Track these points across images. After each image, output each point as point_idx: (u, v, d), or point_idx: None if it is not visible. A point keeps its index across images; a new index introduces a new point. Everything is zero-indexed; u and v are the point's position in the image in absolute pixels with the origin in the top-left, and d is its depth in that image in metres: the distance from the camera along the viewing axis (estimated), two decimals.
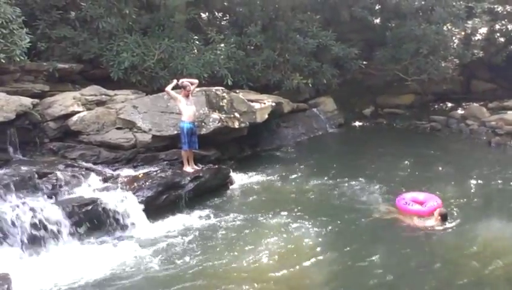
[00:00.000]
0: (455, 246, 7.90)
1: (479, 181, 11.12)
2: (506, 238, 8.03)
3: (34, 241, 7.73)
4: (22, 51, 11.49)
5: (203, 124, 11.74)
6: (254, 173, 12.07)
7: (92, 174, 9.80)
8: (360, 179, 11.42)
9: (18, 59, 11.43)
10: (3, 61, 11.16)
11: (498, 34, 21.22)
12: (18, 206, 7.81)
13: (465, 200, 9.81)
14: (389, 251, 7.73)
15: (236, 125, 12.46)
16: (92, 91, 12.51)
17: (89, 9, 14.09)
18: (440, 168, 12.23)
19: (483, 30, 21.23)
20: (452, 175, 11.70)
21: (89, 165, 10.62)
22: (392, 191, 10.46)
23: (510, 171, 11.74)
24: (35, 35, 13.05)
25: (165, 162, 11.32)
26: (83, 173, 9.76)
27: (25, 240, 7.62)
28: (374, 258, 7.48)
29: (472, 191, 10.52)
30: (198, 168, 10.85)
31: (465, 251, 7.71)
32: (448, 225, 8.55)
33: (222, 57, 14.91)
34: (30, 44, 11.89)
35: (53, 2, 13.89)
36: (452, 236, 8.22)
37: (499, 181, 11.08)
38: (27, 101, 10.93)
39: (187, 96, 10.77)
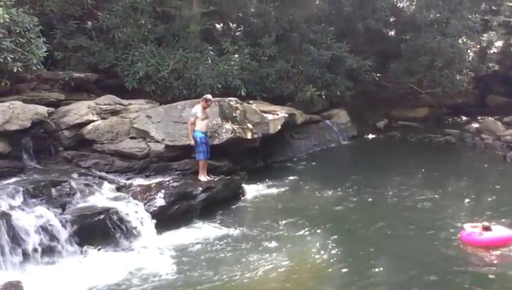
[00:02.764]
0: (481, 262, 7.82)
1: (497, 197, 10.93)
2: None
3: (44, 250, 7.74)
4: (39, 60, 11.67)
5: (215, 134, 11.76)
6: (266, 185, 12.04)
7: (105, 183, 9.85)
8: (373, 192, 11.36)
9: (35, 68, 11.62)
10: (20, 70, 11.33)
11: None
12: (30, 215, 7.86)
13: (485, 218, 9.55)
14: (403, 270, 7.61)
15: (249, 136, 12.46)
16: (107, 100, 12.61)
17: (105, 19, 14.31)
18: (455, 184, 12.11)
19: (499, 43, 21.13)
20: (468, 191, 11.54)
21: (102, 174, 10.68)
22: (406, 207, 10.37)
23: None
24: (52, 45, 13.27)
25: (178, 172, 11.33)
26: (96, 181, 9.82)
27: (36, 249, 7.65)
28: (387, 276, 7.39)
29: (491, 207, 10.25)
30: (210, 179, 10.86)
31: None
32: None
33: (236, 67, 14.99)
34: (47, 53, 12.07)
35: (70, 11, 14.13)
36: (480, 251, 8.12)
37: None
38: (43, 109, 11.04)
39: (205, 108, 10.82)
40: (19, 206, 8.01)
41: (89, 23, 14.80)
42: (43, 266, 7.63)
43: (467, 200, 10.71)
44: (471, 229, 8.36)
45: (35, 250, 7.63)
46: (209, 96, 11.12)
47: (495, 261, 7.78)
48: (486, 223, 8.38)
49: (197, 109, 10.82)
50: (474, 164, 14.58)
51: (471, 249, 8.13)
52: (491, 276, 7.30)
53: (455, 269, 7.54)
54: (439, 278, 7.22)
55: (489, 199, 10.82)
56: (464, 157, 15.44)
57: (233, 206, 10.62)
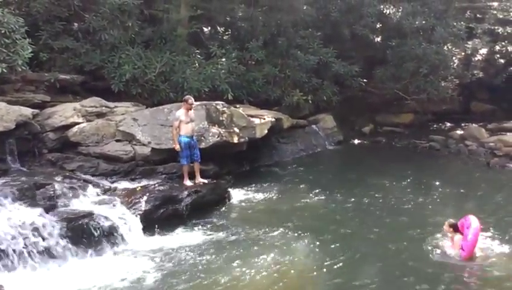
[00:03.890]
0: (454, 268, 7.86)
1: (480, 203, 10.98)
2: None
3: (27, 254, 7.63)
4: (24, 61, 11.53)
5: (202, 138, 11.74)
6: (252, 189, 12.04)
7: (90, 186, 9.80)
8: (359, 196, 11.43)
9: (20, 69, 11.49)
10: (5, 71, 11.20)
11: (498, 55, 21.39)
12: (13, 218, 7.76)
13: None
14: (387, 273, 7.66)
15: (236, 140, 12.46)
16: (93, 103, 12.52)
17: (92, 21, 14.20)
18: (439, 189, 12.17)
19: (484, 51, 21.42)
20: (453, 196, 11.64)
21: (87, 177, 10.57)
22: (389, 212, 10.43)
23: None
24: (38, 46, 13.12)
25: (164, 176, 11.30)
26: (81, 184, 9.75)
27: (19, 252, 7.54)
28: (372, 280, 7.42)
29: (474, 213, 10.16)
30: (204, 181, 10.92)
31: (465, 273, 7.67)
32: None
33: (223, 71, 14.98)
34: (32, 54, 11.93)
35: (56, 13, 13.99)
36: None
37: (501, 204, 11.02)
38: (27, 111, 10.93)
39: (188, 110, 10.79)
40: (1, 208, 7.90)
41: (75, 24, 14.68)
42: (26, 269, 7.53)
43: (451, 205, 10.79)
44: (452, 242, 8.28)
45: (17, 253, 7.53)
46: (187, 96, 11.10)
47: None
48: (451, 220, 8.35)
49: (180, 112, 10.78)
50: (458, 170, 14.72)
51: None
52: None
53: (439, 272, 7.62)
54: (427, 282, 7.29)
55: (473, 205, 10.83)
56: (448, 163, 15.57)
57: (219, 211, 10.60)
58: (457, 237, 8.16)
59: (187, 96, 11.22)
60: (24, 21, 12.03)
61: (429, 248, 8.47)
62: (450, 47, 19.18)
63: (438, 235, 8.79)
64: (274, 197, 11.54)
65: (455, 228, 8.25)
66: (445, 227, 8.33)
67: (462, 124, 19.08)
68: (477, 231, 7.95)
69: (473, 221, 8.08)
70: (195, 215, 10.03)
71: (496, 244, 8.51)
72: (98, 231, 8.51)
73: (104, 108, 12.56)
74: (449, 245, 8.27)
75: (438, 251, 8.31)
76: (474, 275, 7.65)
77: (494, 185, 12.79)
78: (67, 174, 10.33)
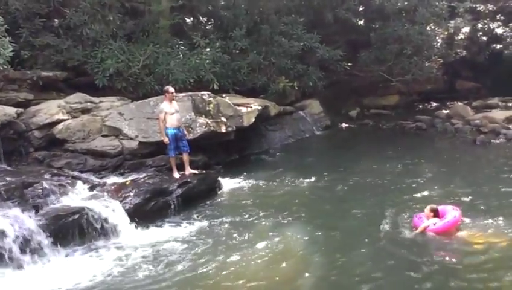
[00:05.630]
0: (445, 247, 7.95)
1: (468, 180, 11.11)
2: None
3: (19, 253, 7.56)
4: (5, 60, 11.38)
5: (189, 129, 11.72)
6: (242, 177, 12.05)
7: (79, 183, 9.69)
8: (348, 180, 11.49)
9: (1, 68, 11.34)
10: None
11: (480, 33, 21.61)
12: (3, 217, 7.70)
13: (456, 199, 9.72)
14: (378, 254, 7.71)
15: (223, 129, 12.46)
16: (77, 99, 12.44)
17: (72, 16, 14.07)
18: (428, 168, 12.30)
19: (466, 29, 21.63)
20: (440, 174, 11.77)
21: (76, 173, 10.52)
22: (379, 193, 10.51)
23: (497, 169, 11.90)
24: (19, 44, 13.00)
25: (152, 169, 11.26)
26: (69, 181, 9.65)
27: (10, 252, 7.48)
28: (363, 261, 7.47)
29: (462, 190, 10.37)
30: (194, 172, 10.89)
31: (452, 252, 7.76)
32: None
33: (208, 61, 14.92)
34: (13, 52, 11.77)
35: (36, 10, 13.86)
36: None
37: (487, 179, 11.13)
38: (11, 110, 10.86)
39: (170, 100, 10.74)
40: None
41: (56, 20, 14.52)
42: (18, 269, 7.49)
43: (440, 183, 10.87)
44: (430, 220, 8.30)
45: (9, 253, 7.49)
46: (167, 87, 11.07)
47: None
48: (434, 206, 8.41)
49: (164, 104, 10.74)
50: (445, 148, 14.89)
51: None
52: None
53: (430, 255, 7.69)
54: (416, 264, 7.35)
55: (461, 181, 10.97)
56: (435, 142, 15.74)
57: (210, 201, 10.57)
58: (434, 219, 8.25)
59: (167, 86, 11.17)
60: (3, 19, 11.87)
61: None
62: (432, 27, 19.35)
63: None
64: (264, 185, 11.55)
65: (436, 214, 8.31)
66: (427, 211, 8.37)
67: (448, 103, 19.30)
68: (456, 220, 8.18)
69: (455, 212, 8.32)
70: (186, 206, 10.01)
71: (482, 218, 8.57)
72: (89, 227, 8.47)
73: (89, 104, 12.49)
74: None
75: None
76: (458, 249, 7.71)
77: (480, 161, 12.98)
78: (55, 171, 10.19)
